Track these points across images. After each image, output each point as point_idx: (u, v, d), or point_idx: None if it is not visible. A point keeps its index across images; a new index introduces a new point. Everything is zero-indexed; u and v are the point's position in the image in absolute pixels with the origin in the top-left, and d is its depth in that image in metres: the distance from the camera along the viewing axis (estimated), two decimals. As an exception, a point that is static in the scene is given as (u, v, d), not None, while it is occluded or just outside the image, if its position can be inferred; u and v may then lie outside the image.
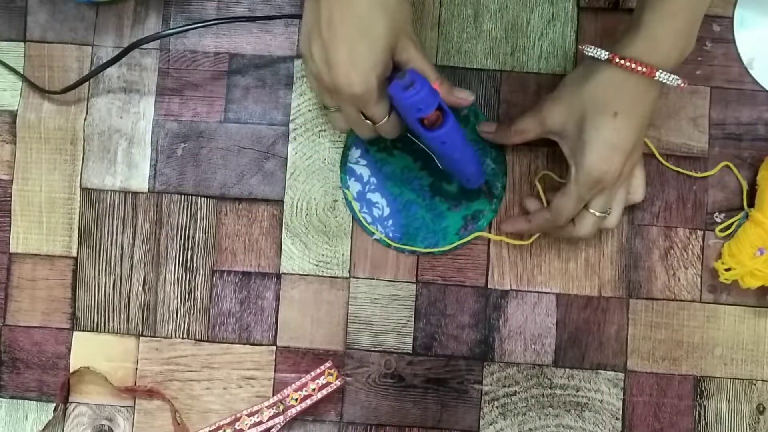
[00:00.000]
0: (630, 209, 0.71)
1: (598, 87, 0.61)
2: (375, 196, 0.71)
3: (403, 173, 0.71)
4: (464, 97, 0.65)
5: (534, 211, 0.68)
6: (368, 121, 0.63)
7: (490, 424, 0.70)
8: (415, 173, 0.71)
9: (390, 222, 0.71)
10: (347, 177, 0.71)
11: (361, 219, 0.71)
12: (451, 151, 0.64)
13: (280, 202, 0.72)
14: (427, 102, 0.60)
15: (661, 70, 0.59)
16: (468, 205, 0.71)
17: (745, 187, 0.71)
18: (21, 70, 0.73)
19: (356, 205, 0.71)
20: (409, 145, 0.71)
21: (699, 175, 0.71)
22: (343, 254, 0.71)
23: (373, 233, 0.71)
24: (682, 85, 0.60)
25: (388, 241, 0.71)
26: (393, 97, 0.60)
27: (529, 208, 0.69)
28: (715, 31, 0.73)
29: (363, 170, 0.71)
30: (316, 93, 0.65)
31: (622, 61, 0.59)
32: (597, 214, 0.64)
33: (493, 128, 0.69)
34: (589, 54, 0.61)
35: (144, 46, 0.73)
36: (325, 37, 0.59)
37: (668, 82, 0.59)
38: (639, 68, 0.59)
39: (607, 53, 0.60)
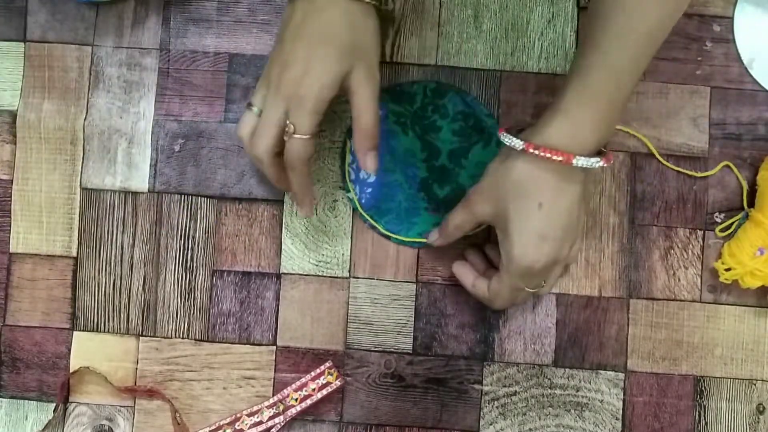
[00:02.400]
0: (630, 209, 0.71)
1: (518, 178, 0.59)
2: None
3: (405, 155, 0.71)
4: (370, 166, 0.63)
5: (478, 279, 0.67)
6: (266, 136, 0.61)
7: (490, 424, 0.70)
8: (414, 161, 0.71)
9: (369, 190, 0.71)
10: None
11: (347, 171, 0.71)
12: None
13: (280, 202, 0.72)
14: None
15: (578, 156, 0.57)
16: (445, 216, 0.70)
17: (745, 187, 0.71)
18: (21, 70, 0.73)
19: (349, 158, 0.71)
20: (425, 133, 0.70)
21: (699, 174, 0.71)
22: (343, 254, 0.71)
23: (349, 190, 0.71)
24: (604, 165, 0.59)
25: (358, 205, 0.70)
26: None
27: (468, 259, 0.69)
28: (715, 31, 0.73)
29: None
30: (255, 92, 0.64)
31: (537, 151, 0.57)
32: (530, 290, 0.64)
33: (436, 236, 0.68)
34: (506, 142, 0.60)
35: (144, 46, 0.73)
36: (288, 35, 0.60)
37: (588, 166, 0.58)
38: (554, 157, 0.57)
39: (522, 143, 0.58)
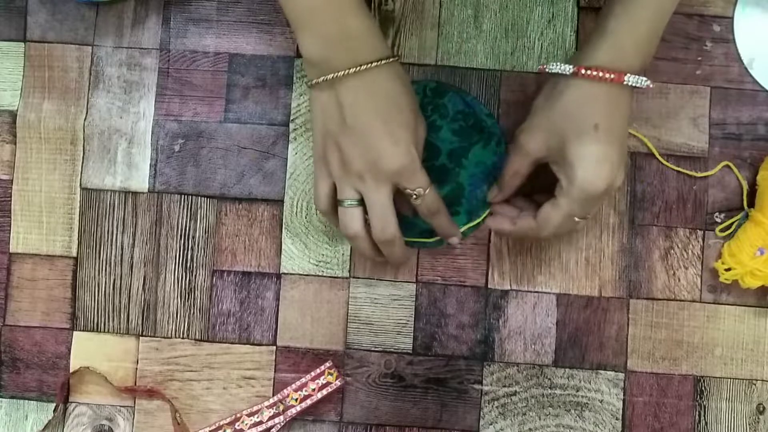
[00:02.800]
0: (630, 209, 0.71)
1: (570, 104, 0.60)
2: None
3: None
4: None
5: (520, 216, 0.67)
6: (390, 220, 0.62)
7: (490, 424, 0.70)
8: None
9: None
10: None
11: None
12: None
13: (280, 202, 0.72)
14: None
15: (629, 74, 0.59)
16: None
17: (745, 187, 0.71)
18: (21, 70, 0.73)
19: None
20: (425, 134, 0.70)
21: (699, 174, 0.71)
22: (343, 254, 0.71)
23: None
24: (651, 85, 0.60)
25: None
26: None
27: (516, 206, 0.69)
28: (715, 31, 0.73)
29: None
30: (321, 196, 0.64)
31: (589, 72, 0.59)
32: (578, 220, 0.63)
33: (495, 191, 0.68)
34: (553, 71, 0.61)
35: (144, 46, 0.73)
36: (351, 121, 0.60)
37: (638, 85, 0.59)
38: (607, 75, 0.59)
39: (571, 67, 0.60)
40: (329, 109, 0.61)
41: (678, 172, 0.72)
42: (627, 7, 0.59)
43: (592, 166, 0.60)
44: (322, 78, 0.59)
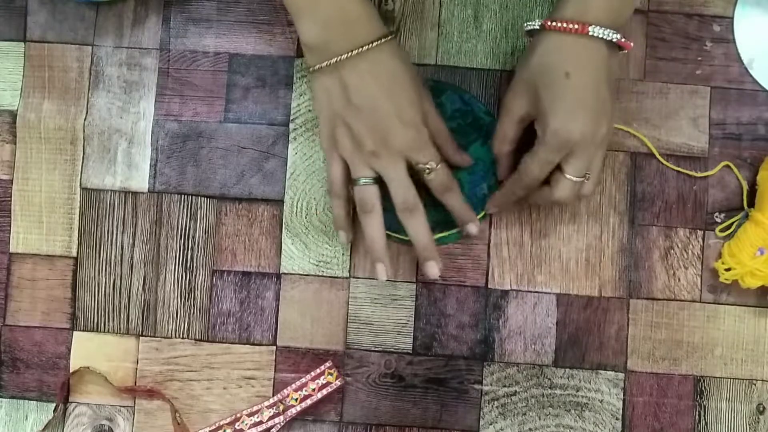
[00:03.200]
0: (630, 209, 0.71)
1: (542, 56, 0.62)
2: None
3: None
4: (466, 159, 0.68)
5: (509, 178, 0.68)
6: (408, 192, 0.64)
7: (490, 424, 0.70)
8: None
9: None
10: None
11: None
12: None
13: (280, 202, 0.72)
14: None
15: (594, 26, 0.60)
16: (444, 214, 0.68)
17: (745, 187, 0.71)
18: (21, 70, 0.73)
19: None
20: None
21: (699, 174, 0.71)
22: (343, 254, 0.71)
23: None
24: (622, 40, 0.61)
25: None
26: None
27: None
28: (715, 31, 0.73)
29: None
30: (335, 179, 0.65)
31: (554, 23, 0.61)
32: (573, 179, 0.63)
33: (500, 161, 0.69)
34: (527, 28, 0.63)
35: (144, 46, 0.73)
36: (358, 101, 0.62)
37: (606, 38, 0.60)
38: (570, 26, 0.60)
39: (539, 21, 0.62)
40: (334, 91, 0.62)
41: (678, 172, 0.72)
42: None
43: (564, 110, 0.61)
44: (325, 63, 0.61)
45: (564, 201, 0.65)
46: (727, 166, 0.72)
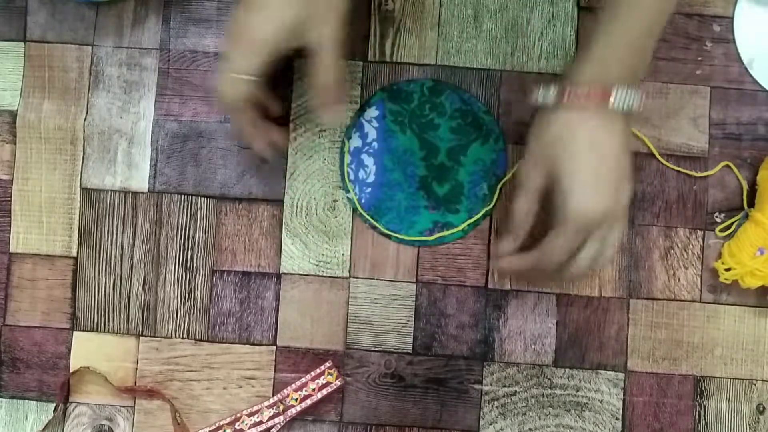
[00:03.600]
0: (630, 209, 0.71)
1: (561, 127, 0.60)
2: (368, 160, 0.71)
3: (404, 154, 0.71)
4: (331, 120, 0.65)
5: (525, 253, 0.64)
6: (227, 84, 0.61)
7: (490, 424, 0.70)
8: (413, 159, 0.71)
9: (369, 189, 0.71)
10: (353, 129, 0.71)
11: (346, 172, 0.71)
12: None
13: (280, 202, 0.72)
14: None
15: (614, 94, 0.58)
16: (444, 214, 0.71)
17: (745, 187, 0.71)
18: (21, 70, 0.73)
19: (348, 159, 0.71)
20: (423, 132, 0.71)
21: (699, 174, 0.71)
22: (343, 254, 0.71)
23: (349, 191, 0.71)
24: (641, 107, 0.59)
25: (357, 205, 0.71)
26: None
27: (502, 253, 0.66)
28: (715, 31, 0.73)
29: (371, 131, 0.71)
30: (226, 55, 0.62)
31: (574, 98, 0.58)
32: (590, 254, 0.61)
33: (508, 242, 0.65)
34: (542, 101, 0.60)
35: (144, 46, 0.73)
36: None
37: (625, 108, 0.58)
38: (591, 101, 0.58)
39: (555, 89, 0.59)
40: None
41: (678, 172, 0.72)
42: (607, 27, 0.59)
43: (586, 186, 0.59)
44: None
45: (580, 276, 0.63)
46: (727, 166, 0.72)
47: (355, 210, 0.71)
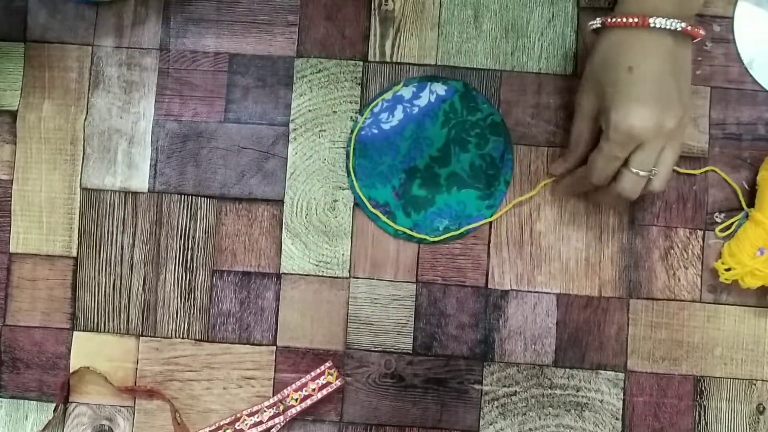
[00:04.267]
0: (630, 209, 0.71)
1: (605, 53, 0.63)
2: (399, 113, 0.72)
3: (423, 140, 0.71)
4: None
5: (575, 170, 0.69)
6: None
7: (490, 424, 0.70)
8: (424, 150, 0.71)
9: (375, 131, 0.71)
10: (416, 81, 0.72)
11: (377, 102, 0.72)
12: None
13: (280, 202, 0.72)
14: None
15: (655, 17, 0.60)
16: (399, 210, 0.71)
17: (739, 190, 0.71)
18: (21, 70, 0.73)
19: (389, 95, 0.72)
20: (454, 142, 0.71)
21: (695, 171, 0.71)
22: (343, 254, 0.71)
23: (362, 114, 0.72)
24: (689, 28, 0.61)
25: (355, 131, 0.71)
26: None
27: (554, 172, 0.71)
28: (715, 31, 0.73)
29: (426, 99, 0.72)
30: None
31: (614, 20, 0.61)
32: (639, 173, 0.63)
33: (561, 162, 0.70)
34: (591, 27, 0.64)
35: (144, 46, 0.73)
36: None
37: (667, 27, 0.60)
38: (630, 20, 0.60)
39: (600, 19, 0.62)
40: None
41: (678, 173, 0.72)
42: None
43: (627, 105, 0.61)
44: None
45: (628, 195, 0.64)
46: (730, 168, 0.71)
47: (350, 134, 0.71)
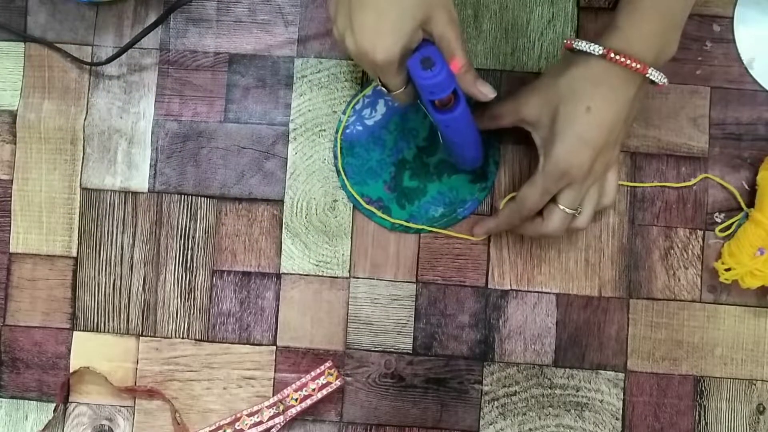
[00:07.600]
0: (630, 209, 0.71)
1: (575, 80, 0.61)
2: (382, 107, 0.71)
3: (409, 130, 0.71)
4: (486, 92, 0.62)
5: (502, 205, 0.69)
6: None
7: (490, 424, 0.70)
8: (411, 141, 0.71)
9: (360, 127, 0.71)
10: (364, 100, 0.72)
11: (358, 99, 0.71)
12: (452, 135, 0.63)
13: (280, 202, 0.72)
14: (441, 87, 0.58)
15: (652, 69, 0.59)
16: (392, 201, 0.71)
17: (736, 193, 0.71)
18: (21, 70, 0.73)
19: (368, 91, 0.71)
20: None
21: (689, 183, 0.71)
22: (343, 254, 0.71)
23: (345, 113, 0.71)
24: (663, 83, 0.60)
25: (340, 130, 0.71)
26: (410, 71, 0.58)
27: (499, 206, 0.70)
28: (715, 31, 0.73)
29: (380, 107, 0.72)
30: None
31: (616, 57, 0.59)
32: (566, 210, 0.63)
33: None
34: (580, 49, 0.60)
35: (144, 46, 0.73)
36: (353, 1, 0.57)
37: (656, 80, 0.60)
38: (633, 64, 0.59)
39: (601, 48, 0.59)
40: None
41: (677, 172, 0.72)
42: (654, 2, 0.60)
43: (572, 143, 0.60)
44: None
45: (554, 233, 0.64)
46: (730, 168, 0.72)
47: (336, 132, 0.71)
